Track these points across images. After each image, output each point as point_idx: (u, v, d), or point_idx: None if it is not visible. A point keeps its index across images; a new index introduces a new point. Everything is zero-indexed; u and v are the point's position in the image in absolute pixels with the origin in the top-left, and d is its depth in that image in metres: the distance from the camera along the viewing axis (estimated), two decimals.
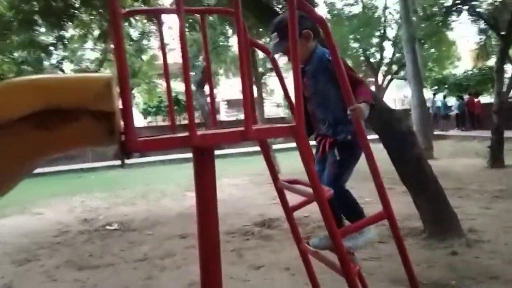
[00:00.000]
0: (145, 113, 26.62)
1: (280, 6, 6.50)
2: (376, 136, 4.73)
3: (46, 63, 17.42)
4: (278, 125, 1.49)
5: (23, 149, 1.10)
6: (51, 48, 6.67)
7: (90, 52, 18.74)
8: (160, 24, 1.79)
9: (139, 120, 25.00)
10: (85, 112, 1.11)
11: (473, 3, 9.77)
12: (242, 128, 1.34)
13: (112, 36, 1.23)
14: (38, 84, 1.14)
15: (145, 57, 19.04)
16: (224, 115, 32.43)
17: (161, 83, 22.31)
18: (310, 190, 1.67)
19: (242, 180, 10.09)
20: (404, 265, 2.03)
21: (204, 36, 1.71)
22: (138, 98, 23.17)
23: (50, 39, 7.54)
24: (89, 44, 13.33)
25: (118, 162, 17.27)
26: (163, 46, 1.93)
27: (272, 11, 5.43)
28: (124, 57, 1.19)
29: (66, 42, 6.78)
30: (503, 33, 9.38)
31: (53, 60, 16.98)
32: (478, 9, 9.97)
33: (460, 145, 15.35)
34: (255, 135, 1.39)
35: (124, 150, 1.19)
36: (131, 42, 8.45)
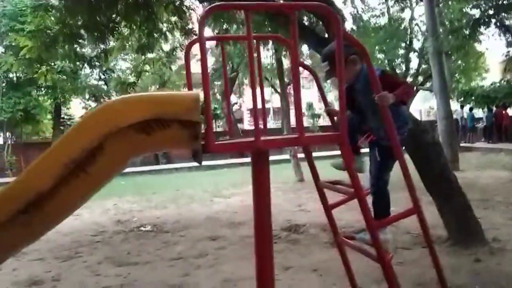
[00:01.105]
0: None
1: (307, 22, 6.79)
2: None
3: (80, 72, 18.30)
4: (325, 133, 1.77)
5: (129, 148, 1.43)
6: (94, 60, 7.14)
7: (121, 61, 19.58)
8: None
9: None
10: (176, 120, 1.42)
11: (501, 16, 9.82)
12: (296, 135, 1.63)
13: (200, 60, 1.53)
14: (149, 99, 1.48)
15: (174, 67, 19.61)
16: (247, 123, 32.86)
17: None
18: (349, 189, 1.95)
19: None
20: (432, 259, 2.25)
21: (258, 61, 1.96)
22: None
23: (89, 51, 8.05)
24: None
25: (148, 168, 17.85)
26: (224, 69, 2.19)
27: (301, 27, 5.70)
28: (208, 78, 1.51)
29: (109, 55, 7.23)
30: None
31: (87, 70, 17.87)
32: (506, 23, 10.02)
33: (487, 158, 15.19)
34: (307, 142, 1.67)
35: (205, 151, 1.50)
36: (162, 54, 8.91)
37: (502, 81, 21.95)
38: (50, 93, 17.84)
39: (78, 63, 7.41)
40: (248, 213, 8.12)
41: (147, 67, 8.44)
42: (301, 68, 2.60)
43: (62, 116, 21.03)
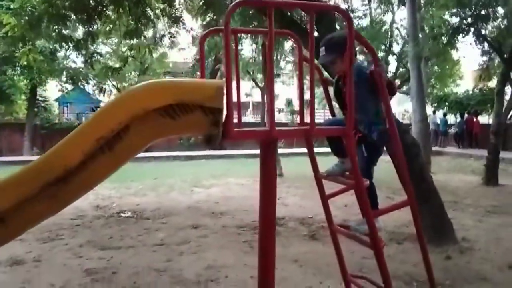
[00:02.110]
0: None
1: (299, 19, 6.91)
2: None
3: (58, 54, 17.87)
4: (333, 127, 1.91)
5: (153, 130, 1.51)
6: (81, 42, 7.03)
7: (102, 45, 19.20)
8: (236, 44, 2.15)
9: None
10: (198, 107, 1.51)
11: (479, 25, 10.21)
12: (307, 127, 1.75)
13: (223, 51, 1.62)
14: (174, 85, 1.56)
15: (155, 55, 19.39)
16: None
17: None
18: (347, 180, 2.09)
19: (246, 180, 10.46)
20: (420, 247, 2.42)
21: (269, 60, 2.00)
22: None
23: (75, 33, 7.94)
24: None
25: None
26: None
27: (295, 24, 5.82)
28: (230, 68, 1.61)
29: (95, 38, 7.14)
30: (505, 56, 9.84)
31: (66, 52, 17.46)
32: (483, 32, 10.43)
33: (457, 162, 15.79)
34: (317, 134, 1.80)
35: (224, 138, 1.60)
36: (149, 40, 8.85)
37: (475, 89, 22.75)
38: (26, 73, 17.36)
39: (63, 44, 7.27)
40: (228, 204, 8.26)
41: (132, 53, 8.35)
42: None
43: (37, 97, 20.47)
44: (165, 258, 4.75)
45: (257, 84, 21.69)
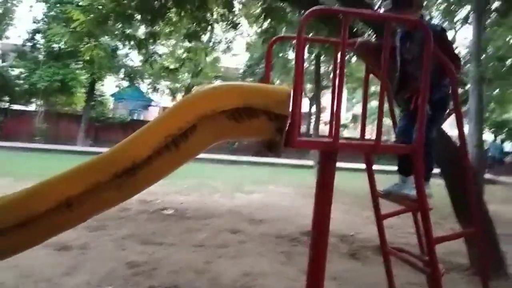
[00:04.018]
0: None
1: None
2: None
3: (119, 51, 18.72)
4: (401, 144, 1.84)
5: (218, 132, 1.52)
6: (144, 41, 7.32)
7: (159, 46, 19.89)
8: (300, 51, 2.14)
9: None
10: (264, 112, 1.51)
11: None
12: (372, 143, 1.70)
13: (295, 59, 1.61)
14: (243, 89, 1.57)
15: (208, 59, 19.82)
16: None
17: None
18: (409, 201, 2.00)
19: (287, 190, 10.40)
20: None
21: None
22: None
23: (139, 32, 8.26)
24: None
25: None
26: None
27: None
28: (301, 77, 1.59)
29: (157, 39, 7.41)
30: None
31: (126, 50, 18.27)
32: None
33: (486, 189, 14.86)
34: (381, 150, 1.74)
35: (287, 146, 1.58)
36: (207, 43, 9.06)
37: None
38: (87, 67, 18.29)
39: (126, 42, 7.60)
40: (268, 212, 8.22)
41: (189, 55, 8.58)
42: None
43: (94, 91, 21.53)
44: (204, 259, 4.78)
45: (304, 94, 21.57)
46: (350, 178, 13.81)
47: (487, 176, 17.80)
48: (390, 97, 2.56)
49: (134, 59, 19.76)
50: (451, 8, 14.66)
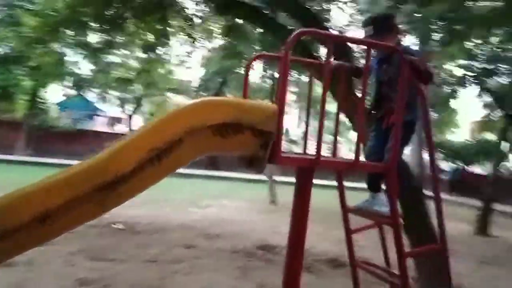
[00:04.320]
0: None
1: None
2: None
3: (65, 59, 17.97)
4: (376, 163, 1.95)
5: (202, 146, 1.53)
6: (100, 50, 7.12)
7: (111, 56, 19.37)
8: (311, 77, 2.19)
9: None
10: (250, 128, 1.54)
11: (485, 79, 10.48)
12: (351, 160, 1.79)
13: (280, 79, 1.66)
14: (234, 105, 1.59)
15: (162, 71, 19.55)
16: None
17: (172, 98, 22.83)
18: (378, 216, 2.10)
19: (242, 204, 10.42)
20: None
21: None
22: (147, 107, 23.58)
23: (94, 41, 8.03)
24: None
25: None
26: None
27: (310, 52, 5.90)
28: (285, 93, 1.64)
29: (114, 48, 7.23)
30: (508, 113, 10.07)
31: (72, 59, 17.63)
32: (489, 86, 10.70)
33: (448, 209, 15.82)
34: (359, 167, 1.83)
35: (271, 162, 1.62)
36: (165, 56, 8.98)
37: (473, 140, 23.09)
38: (32, 74, 17.38)
39: (81, 50, 7.35)
40: (223, 226, 8.17)
41: (146, 67, 8.45)
42: None
43: (37, 99, 20.45)
44: (159, 275, 4.66)
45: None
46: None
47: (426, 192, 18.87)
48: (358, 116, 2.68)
49: (83, 67, 19.08)
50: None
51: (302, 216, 1.91)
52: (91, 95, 22.97)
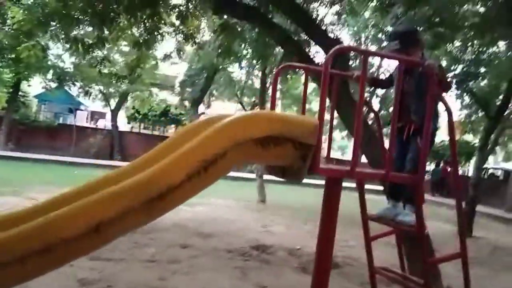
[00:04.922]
0: (131, 118, 26.75)
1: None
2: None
3: (49, 52, 17.55)
4: (406, 174, 2.01)
5: (244, 157, 1.56)
6: (93, 46, 6.98)
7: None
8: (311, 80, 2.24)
9: (122, 124, 25.15)
10: (290, 140, 1.58)
11: (469, 82, 10.76)
12: (383, 171, 1.84)
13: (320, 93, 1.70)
14: (279, 119, 1.63)
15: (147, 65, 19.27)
16: None
17: (157, 94, 22.58)
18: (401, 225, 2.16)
19: (231, 203, 10.44)
20: None
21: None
22: (131, 103, 23.24)
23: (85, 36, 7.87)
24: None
25: (102, 162, 17.32)
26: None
27: (310, 59, 5.99)
28: (324, 106, 1.68)
29: (106, 44, 7.10)
30: (491, 114, 10.37)
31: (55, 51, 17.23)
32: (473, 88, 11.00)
33: (431, 210, 16.20)
34: (391, 178, 1.88)
35: (311, 172, 1.65)
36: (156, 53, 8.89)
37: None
38: (13, 66, 16.93)
39: (71, 46, 7.18)
40: (215, 225, 8.18)
41: (139, 63, 8.35)
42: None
43: (19, 92, 19.93)
44: (158, 275, 4.65)
45: (243, 107, 21.84)
46: (285, 191, 14.23)
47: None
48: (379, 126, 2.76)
49: (66, 60, 18.66)
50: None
51: (331, 222, 1.95)
52: (73, 89, 22.48)
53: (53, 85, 21.01)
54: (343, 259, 6.24)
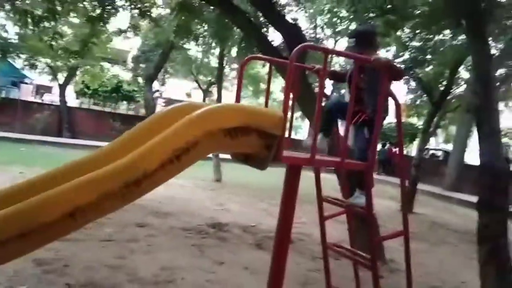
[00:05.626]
0: (80, 93, 25.66)
1: None
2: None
3: None
4: (357, 162, 2.21)
5: (214, 146, 1.67)
6: (43, 19, 6.63)
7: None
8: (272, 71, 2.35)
9: (70, 99, 24.09)
10: (256, 130, 1.71)
11: (416, 68, 11.34)
12: (339, 160, 2.03)
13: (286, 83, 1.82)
14: (248, 111, 1.74)
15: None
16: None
17: (109, 69, 21.77)
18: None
19: (188, 182, 10.49)
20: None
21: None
22: (81, 77, 22.28)
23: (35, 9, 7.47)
24: None
25: (50, 138, 16.65)
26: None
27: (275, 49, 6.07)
28: (288, 98, 1.82)
29: (57, 16, 6.77)
30: (435, 100, 11.06)
31: None
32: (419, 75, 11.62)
33: (377, 188, 17.08)
34: (347, 166, 2.07)
35: (275, 160, 1.80)
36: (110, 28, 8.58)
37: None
38: None
39: (19, 18, 6.80)
40: (171, 205, 8.25)
41: (93, 39, 8.07)
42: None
43: None
44: (117, 254, 4.71)
45: (199, 86, 21.65)
46: (241, 170, 14.48)
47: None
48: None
49: (10, 30, 17.50)
50: None
51: (291, 203, 2.13)
52: (18, 61, 21.17)
53: None
54: (296, 235, 6.57)
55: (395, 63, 2.64)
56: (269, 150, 1.76)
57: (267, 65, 3.01)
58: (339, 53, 2.18)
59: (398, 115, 2.53)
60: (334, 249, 2.91)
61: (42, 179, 1.72)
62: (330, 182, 5.62)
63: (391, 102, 2.61)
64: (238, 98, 2.37)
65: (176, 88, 25.90)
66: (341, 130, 2.92)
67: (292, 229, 2.88)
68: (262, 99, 27.55)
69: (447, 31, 10.35)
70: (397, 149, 22.58)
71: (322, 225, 2.95)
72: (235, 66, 20.33)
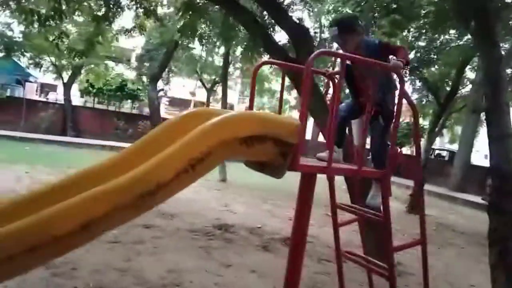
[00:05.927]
0: (84, 92, 25.69)
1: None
2: None
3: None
4: (374, 170, 2.17)
5: (229, 154, 1.64)
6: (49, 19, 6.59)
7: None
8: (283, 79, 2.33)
9: (74, 98, 24.13)
10: (272, 138, 1.67)
11: (422, 68, 11.26)
12: (356, 167, 1.99)
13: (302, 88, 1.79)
14: (263, 119, 1.70)
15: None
16: (164, 111, 32.21)
17: (113, 67, 21.78)
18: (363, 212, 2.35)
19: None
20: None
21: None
22: (85, 76, 22.29)
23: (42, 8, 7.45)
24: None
25: (55, 137, 16.69)
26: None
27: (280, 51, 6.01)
28: (306, 107, 1.78)
29: (63, 16, 6.74)
30: (441, 101, 10.98)
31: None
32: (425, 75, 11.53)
33: None
34: (363, 174, 2.04)
35: (290, 168, 1.76)
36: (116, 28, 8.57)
37: (402, 123, 24.74)
38: None
39: (25, 17, 6.77)
40: (176, 205, 8.23)
41: (99, 39, 8.05)
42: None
43: None
44: (124, 257, 4.69)
45: (204, 85, 21.63)
46: (245, 172, 14.42)
47: None
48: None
49: (15, 29, 17.51)
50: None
51: (306, 211, 2.10)
52: (23, 60, 21.19)
53: (0, 54, 19.75)
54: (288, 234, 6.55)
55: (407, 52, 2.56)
56: (285, 158, 1.73)
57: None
58: (357, 59, 2.10)
59: (415, 117, 2.49)
60: (348, 256, 2.87)
61: (53, 188, 1.69)
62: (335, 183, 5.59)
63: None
64: (251, 104, 2.34)
65: (180, 87, 25.87)
66: (353, 128, 2.90)
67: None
68: (266, 98, 27.52)
69: (453, 31, 10.27)
70: (402, 149, 22.52)
71: (336, 232, 2.91)
72: (239, 65, 20.30)
